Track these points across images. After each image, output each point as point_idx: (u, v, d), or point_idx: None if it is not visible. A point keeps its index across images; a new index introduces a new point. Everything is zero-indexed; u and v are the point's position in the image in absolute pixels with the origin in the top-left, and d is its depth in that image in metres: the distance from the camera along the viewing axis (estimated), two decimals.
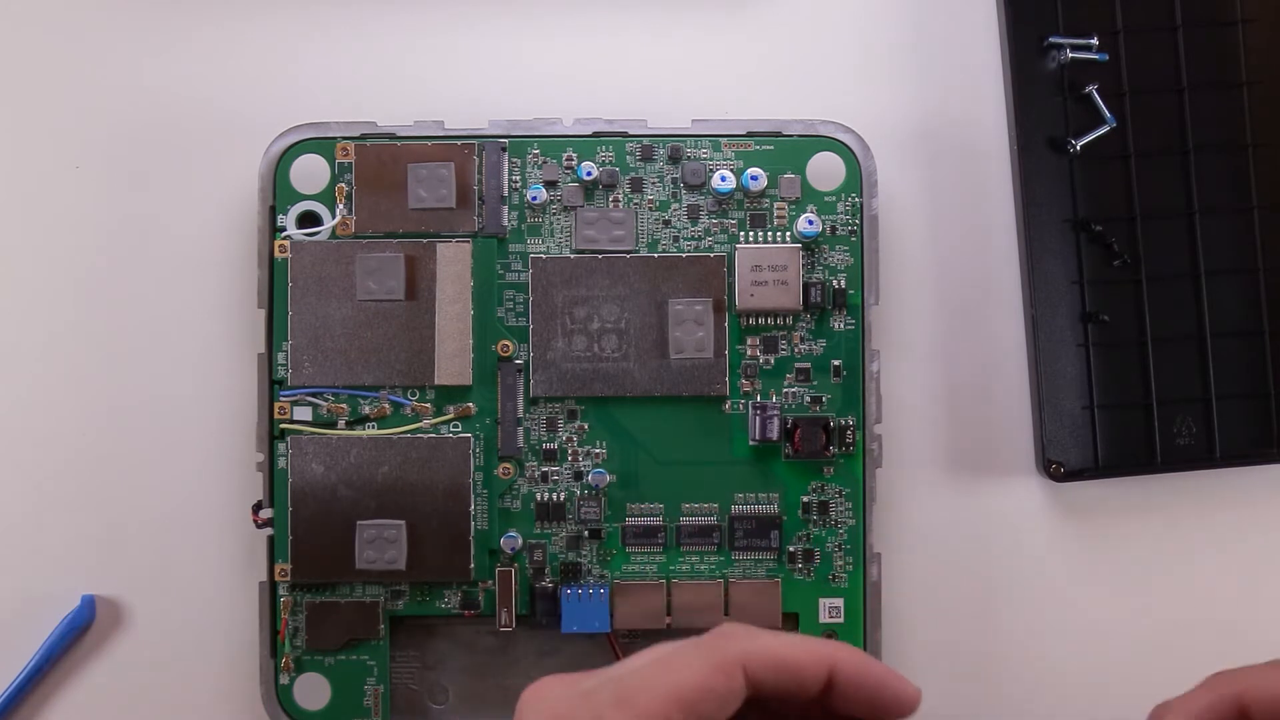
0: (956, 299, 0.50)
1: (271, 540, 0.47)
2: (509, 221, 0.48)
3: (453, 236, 0.47)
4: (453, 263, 0.47)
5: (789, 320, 0.48)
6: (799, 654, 0.32)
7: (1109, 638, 0.49)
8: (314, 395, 0.47)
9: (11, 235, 0.50)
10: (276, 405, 0.47)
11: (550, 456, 0.47)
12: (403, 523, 0.46)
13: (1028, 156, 0.49)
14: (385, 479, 0.47)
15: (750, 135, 0.48)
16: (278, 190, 0.47)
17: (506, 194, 0.48)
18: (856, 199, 0.48)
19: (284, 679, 0.47)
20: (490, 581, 0.47)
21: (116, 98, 0.50)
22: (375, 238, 0.47)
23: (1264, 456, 0.49)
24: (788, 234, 0.48)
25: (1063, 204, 0.49)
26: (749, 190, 0.47)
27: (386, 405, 0.47)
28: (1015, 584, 0.49)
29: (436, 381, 0.47)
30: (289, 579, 0.47)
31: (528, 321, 0.47)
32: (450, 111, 0.49)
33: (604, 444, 0.47)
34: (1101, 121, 0.49)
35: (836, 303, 0.47)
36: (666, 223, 0.48)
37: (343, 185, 0.47)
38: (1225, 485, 0.50)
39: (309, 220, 0.48)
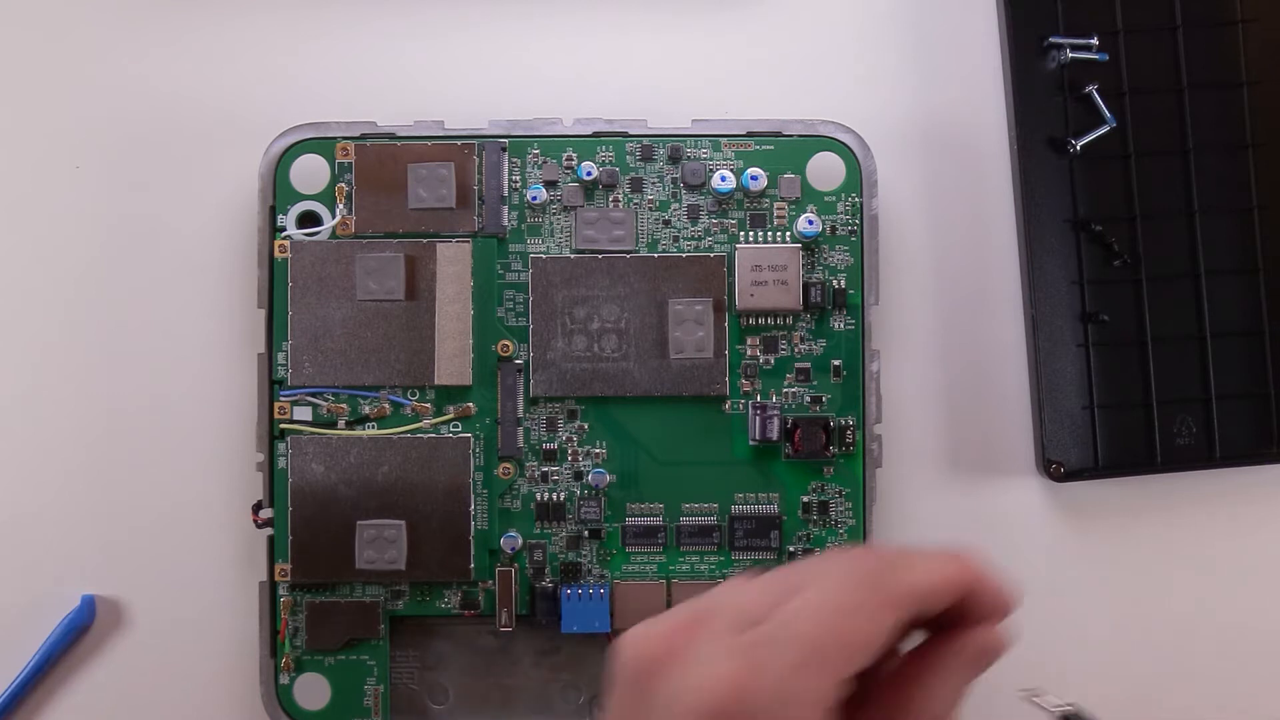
0: (956, 299, 0.50)
1: (271, 540, 0.47)
2: (509, 221, 0.48)
3: (453, 236, 0.47)
4: (453, 263, 0.47)
5: (789, 320, 0.48)
6: (943, 583, 0.31)
7: (1109, 637, 0.49)
8: (314, 395, 0.47)
9: (11, 235, 0.50)
10: (276, 405, 0.47)
11: (550, 456, 0.47)
12: (403, 523, 0.46)
13: (1028, 156, 0.49)
14: (385, 479, 0.47)
15: (750, 135, 0.48)
16: (278, 190, 0.47)
17: (506, 194, 0.48)
18: (856, 199, 0.48)
19: (284, 679, 0.47)
20: (490, 581, 0.47)
21: (116, 98, 0.50)
22: (375, 238, 0.47)
23: (1264, 456, 0.49)
24: (788, 234, 0.48)
25: (1063, 204, 0.49)
26: (749, 190, 0.47)
27: (386, 405, 0.47)
28: (1015, 584, 0.49)
29: (436, 381, 0.47)
30: (289, 579, 0.47)
31: (528, 321, 0.47)
32: (450, 111, 0.49)
33: (604, 444, 0.47)
34: (1101, 121, 0.49)
35: (836, 303, 0.47)
36: (666, 223, 0.48)
37: (343, 185, 0.47)
38: (1225, 485, 0.50)
39: (309, 220, 0.48)
